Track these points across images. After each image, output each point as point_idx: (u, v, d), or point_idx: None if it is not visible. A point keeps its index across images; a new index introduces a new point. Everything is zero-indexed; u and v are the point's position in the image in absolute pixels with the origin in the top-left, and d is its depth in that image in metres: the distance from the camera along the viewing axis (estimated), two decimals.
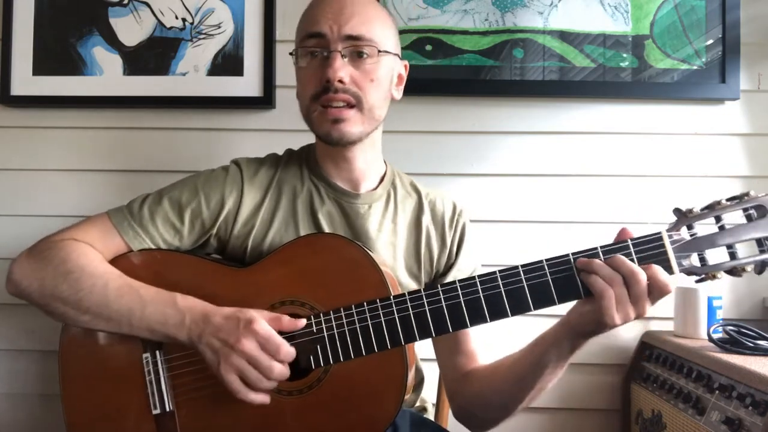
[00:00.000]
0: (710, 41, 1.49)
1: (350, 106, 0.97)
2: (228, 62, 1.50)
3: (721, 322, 1.31)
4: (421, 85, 1.47)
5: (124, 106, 1.51)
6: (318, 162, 1.08)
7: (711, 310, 1.33)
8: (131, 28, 1.50)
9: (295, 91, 1.06)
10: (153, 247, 1.00)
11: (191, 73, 1.50)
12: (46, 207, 1.51)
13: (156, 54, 1.50)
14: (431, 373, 1.18)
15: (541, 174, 1.51)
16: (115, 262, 0.97)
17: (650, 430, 1.32)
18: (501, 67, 1.49)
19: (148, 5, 1.50)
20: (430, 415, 1.19)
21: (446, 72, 1.49)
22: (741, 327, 1.24)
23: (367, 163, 1.06)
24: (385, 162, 1.12)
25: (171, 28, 1.50)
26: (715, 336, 1.22)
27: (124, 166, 1.52)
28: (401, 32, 1.48)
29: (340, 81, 0.95)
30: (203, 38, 1.50)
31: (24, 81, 1.50)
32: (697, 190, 1.50)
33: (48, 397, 1.50)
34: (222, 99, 1.49)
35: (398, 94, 1.07)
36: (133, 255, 0.98)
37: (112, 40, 1.50)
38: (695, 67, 1.49)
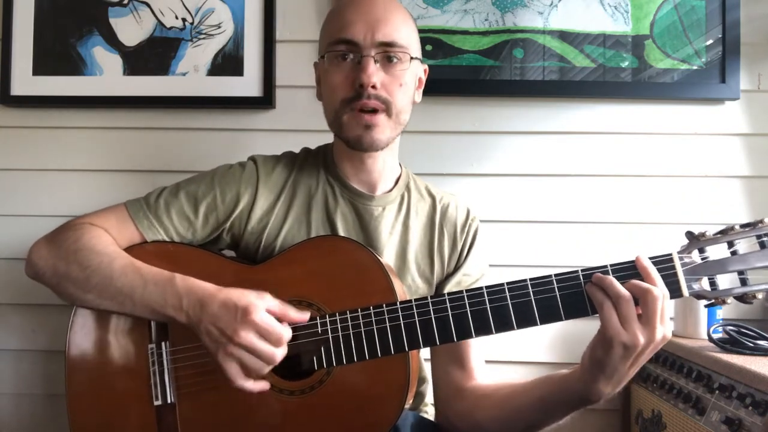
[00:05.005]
0: (710, 41, 1.49)
1: (380, 111, 0.97)
2: (228, 62, 1.49)
3: (721, 322, 1.30)
4: None
5: (124, 106, 1.51)
6: (335, 162, 1.09)
7: (711, 310, 1.33)
8: (131, 28, 1.50)
9: (316, 91, 1.07)
10: (166, 238, 1.01)
11: (191, 73, 1.50)
12: (46, 207, 1.51)
13: (156, 54, 1.50)
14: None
15: (541, 174, 1.51)
16: (128, 252, 0.97)
17: (650, 430, 1.32)
18: (501, 67, 1.49)
19: (148, 5, 1.50)
20: (431, 415, 1.19)
21: (446, 72, 1.49)
22: (741, 327, 1.24)
23: (385, 165, 1.07)
24: (400, 165, 1.13)
25: (171, 28, 1.50)
26: (715, 336, 1.22)
27: (125, 166, 1.52)
28: None
29: (373, 86, 0.95)
30: (203, 38, 1.50)
31: (24, 81, 1.49)
32: (697, 190, 1.50)
33: (52, 397, 1.50)
34: (222, 99, 1.49)
35: (419, 97, 1.08)
36: (145, 246, 1.00)
37: (112, 40, 1.50)
38: (695, 67, 1.49)
